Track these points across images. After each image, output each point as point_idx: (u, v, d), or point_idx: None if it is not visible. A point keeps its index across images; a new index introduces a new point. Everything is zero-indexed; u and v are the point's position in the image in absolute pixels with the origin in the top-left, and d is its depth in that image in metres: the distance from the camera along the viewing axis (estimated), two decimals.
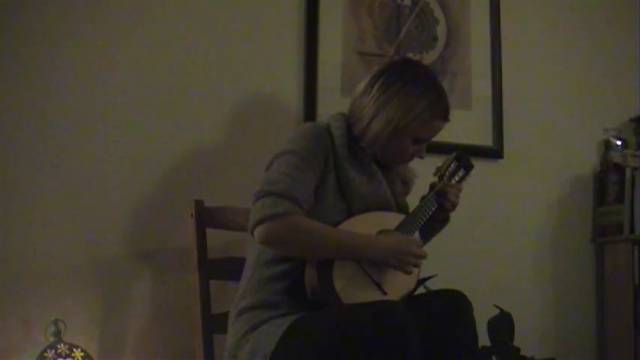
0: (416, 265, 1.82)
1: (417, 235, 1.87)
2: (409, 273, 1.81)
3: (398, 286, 1.80)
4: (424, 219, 1.88)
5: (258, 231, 1.70)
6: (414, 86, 1.83)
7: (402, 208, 1.94)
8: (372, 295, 1.74)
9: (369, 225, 1.80)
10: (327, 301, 1.70)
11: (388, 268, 1.79)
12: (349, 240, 1.75)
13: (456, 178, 1.98)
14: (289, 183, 1.72)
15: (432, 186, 1.94)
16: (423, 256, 1.82)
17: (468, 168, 2.01)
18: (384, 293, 1.77)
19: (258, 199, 1.72)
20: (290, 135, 1.85)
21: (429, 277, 1.90)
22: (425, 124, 1.84)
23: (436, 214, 1.92)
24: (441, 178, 1.95)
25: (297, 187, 1.73)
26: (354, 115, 1.89)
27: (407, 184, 2.02)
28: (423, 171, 2.03)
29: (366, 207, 1.84)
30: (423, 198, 1.93)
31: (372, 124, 1.83)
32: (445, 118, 1.88)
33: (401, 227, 1.84)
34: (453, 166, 1.98)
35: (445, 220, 2.00)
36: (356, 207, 1.83)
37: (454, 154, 2.00)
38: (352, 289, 1.73)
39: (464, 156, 2.01)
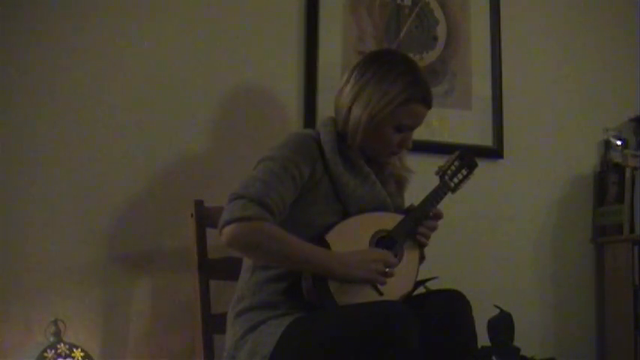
0: (386, 275, 1.75)
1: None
2: (383, 283, 1.76)
3: (395, 287, 1.79)
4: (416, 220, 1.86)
5: (225, 232, 1.70)
6: (389, 71, 1.83)
7: (397, 207, 1.93)
8: (369, 296, 1.73)
9: (365, 225, 1.80)
10: (323, 302, 1.69)
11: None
12: (313, 254, 1.71)
13: (459, 177, 1.95)
14: (262, 189, 1.71)
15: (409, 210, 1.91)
16: (391, 264, 1.76)
17: (472, 167, 1.96)
18: (380, 294, 1.76)
19: (230, 201, 1.72)
20: (277, 142, 1.84)
21: (429, 279, 1.89)
22: (403, 108, 1.82)
23: None
24: (442, 177, 1.93)
25: (269, 193, 1.71)
26: (337, 110, 1.90)
27: (401, 184, 2.00)
28: (424, 171, 2.02)
29: (363, 208, 1.83)
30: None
31: (352, 111, 1.83)
32: (425, 102, 1.85)
33: (397, 228, 1.83)
34: (455, 165, 1.94)
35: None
36: (352, 209, 1.82)
37: (457, 153, 1.96)
38: (348, 290, 1.72)
39: (467, 155, 1.96)
